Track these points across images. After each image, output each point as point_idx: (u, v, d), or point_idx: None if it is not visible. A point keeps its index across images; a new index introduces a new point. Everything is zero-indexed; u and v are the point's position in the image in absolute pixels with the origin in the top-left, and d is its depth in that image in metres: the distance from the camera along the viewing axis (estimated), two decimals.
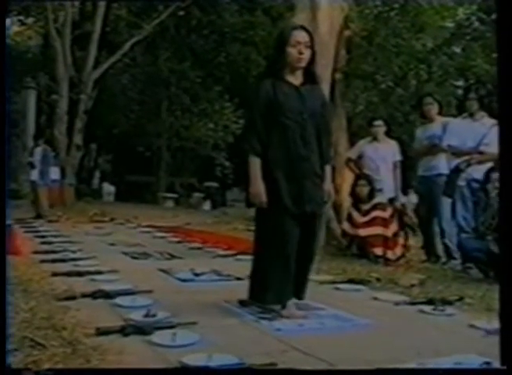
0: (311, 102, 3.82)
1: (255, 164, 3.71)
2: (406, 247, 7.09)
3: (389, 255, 6.70)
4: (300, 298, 3.87)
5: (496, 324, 3.68)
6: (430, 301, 4.34)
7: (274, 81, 3.79)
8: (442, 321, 3.94)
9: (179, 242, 8.20)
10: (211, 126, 21.82)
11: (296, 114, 3.75)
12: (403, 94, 17.58)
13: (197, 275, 5.24)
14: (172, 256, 6.66)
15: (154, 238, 8.73)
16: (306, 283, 3.91)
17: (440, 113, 7.42)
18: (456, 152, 6.70)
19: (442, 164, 7.00)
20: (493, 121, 6.78)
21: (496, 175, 5.67)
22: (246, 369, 2.79)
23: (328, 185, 3.92)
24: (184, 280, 5.08)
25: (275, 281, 3.75)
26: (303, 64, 3.79)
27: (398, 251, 6.81)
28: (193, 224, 11.95)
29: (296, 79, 3.83)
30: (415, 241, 7.68)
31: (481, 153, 6.54)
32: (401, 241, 6.93)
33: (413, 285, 5.10)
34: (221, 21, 21.47)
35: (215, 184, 23.35)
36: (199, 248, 7.56)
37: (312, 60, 3.83)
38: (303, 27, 3.89)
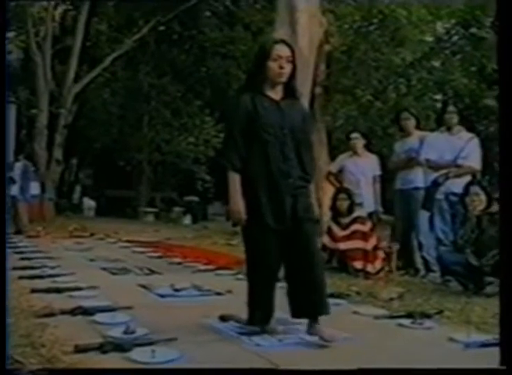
0: (292, 117, 3.75)
1: (234, 180, 3.64)
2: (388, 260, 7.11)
3: (369, 268, 6.71)
4: (324, 313, 3.63)
5: (475, 337, 3.72)
6: (409, 315, 4.35)
7: (254, 95, 3.73)
8: (421, 334, 3.95)
9: (159, 257, 8.16)
10: (191, 140, 21.81)
11: (277, 129, 3.68)
12: (383, 107, 17.66)
13: (176, 290, 5.22)
14: (152, 271, 6.62)
15: (134, 253, 8.68)
16: (323, 298, 3.65)
17: (418, 127, 7.51)
18: (433, 166, 6.78)
19: (419, 178, 7.07)
20: (470, 135, 6.89)
21: (475, 188, 5.71)
22: (246, 369, 2.79)
23: (311, 197, 3.88)
24: (164, 296, 5.06)
25: (261, 300, 3.72)
26: (283, 79, 3.73)
27: (378, 264, 6.83)
28: (173, 239, 11.90)
29: (276, 93, 3.77)
30: None
31: (458, 167, 6.63)
32: (381, 254, 6.96)
33: (392, 299, 5.12)
34: (201, 36, 21.53)
35: (195, 198, 23.29)
36: (179, 263, 7.53)
37: (293, 75, 3.77)
38: (284, 42, 3.84)
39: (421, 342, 3.74)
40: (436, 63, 17.97)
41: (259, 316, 3.73)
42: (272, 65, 3.68)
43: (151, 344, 3.35)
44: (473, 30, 16.57)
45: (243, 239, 3.83)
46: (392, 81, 17.51)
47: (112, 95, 23.61)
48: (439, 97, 17.25)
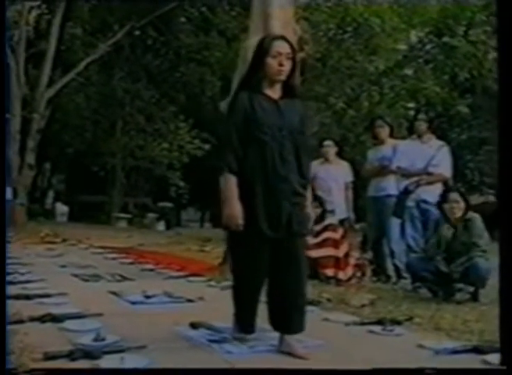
0: (290, 118, 3.57)
1: (231, 182, 3.44)
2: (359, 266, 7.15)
3: (340, 275, 6.73)
4: (299, 330, 3.54)
5: (444, 344, 3.75)
6: (380, 322, 4.36)
7: (251, 94, 3.54)
8: (391, 341, 3.96)
9: (131, 263, 8.11)
10: (165, 146, 21.80)
11: (275, 130, 3.50)
12: (356, 115, 17.81)
13: (148, 297, 5.18)
14: (124, 278, 6.58)
15: (106, 260, 8.62)
16: (303, 315, 3.55)
17: (391, 135, 7.55)
18: (405, 174, 6.84)
19: (392, 185, 7.12)
20: (441, 143, 6.97)
21: (454, 195, 5.76)
22: (246, 369, 2.78)
23: (307, 206, 3.66)
24: (135, 303, 5.02)
25: (248, 309, 3.64)
26: (283, 77, 3.54)
27: (349, 271, 6.86)
28: (146, 245, 11.86)
29: (274, 92, 3.59)
30: None
31: (429, 174, 6.70)
32: (352, 261, 6.99)
33: (363, 305, 5.13)
34: (176, 41, 21.54)
35: (169, 204, 23.25)
36: (151, 270, 7.49)
37: (293, 73, 3.59)
38: (284, 38, 3.65)
39: (391, 349, 3.75)
40: (409, 71, 18.18)
41: (240, 328, 3.66)
42: (271, 62, 3.51)
43: (120, 351, 3.32)
44: (445, 38, 16.76)
45: (232, 245, 3.70)
46: (366, 89, 17.68)
47: (85, 100, 23.51)
48: (411, 105, 17.41)
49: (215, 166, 3.60)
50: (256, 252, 3.50)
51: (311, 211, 3.75)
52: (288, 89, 3.62)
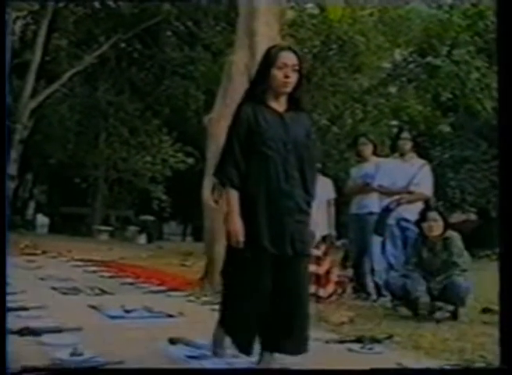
0: (296, 131, 3.46)
1: (233, 198, 3.35)
2: (340, 284, 7.15)
3: (321, 292, 6.73)
4: (303, 351, 3.45)
5: (423, 363, 3.75)
6: (359, 340, 4.36)
7: (255, 106, 3.42)
8: (370, 359, 3.95)
9: (111, 277, 8.07)
10: (148, 159, 21.77)
11: (279, 144, 3.39)
12: (339, 132, 17.90)
13: (127, 312, 5.16)
14: (103, 292, 6.54)
15: (86, 273, 8.57)
16: (307, 338, 3.47)
17: (375, 153, 7.58)
18: (386, 192, 6.87)
19: (374, 203, 7.13)
20: (422, 161, 7.01)
21: (433, 214, 5.79)
22: (246, 369, 2.77)
23: (314, 224, 3.64)
24: (114, 317, 5.00)
25: (244, 331, 3.44)
26: (288, 89, 3.43)
27: (330, 288, 6.85)
28: (127, 258, 11.80)
29: (279, 105, 3.48)
30: None
31: (410, 193, 6.73)
32: (333, 278, 6.99)
33: (343, 323, 5.14)
34: (161, 55, 21.56)
35: (151, 218, 23.18)
36: (131, 284, 7.46)
37: (299, 85, 3.47)
38: (291, 49, 3.53)
39: (370, 367, 3.75)
40: (393, 90, 18.29)
41: (247, 345, 3.43)
42: (277, 73, 3.38)
43: (97, 367, 3.30)
44: (429, 58, 16.90)
45: (232, 262, 3.46)
46: (349, 106, 17.76)
47: (69, 111, 23.44)
48: (394, 123, 17.52)
49: (220, 179, 3.45)
50: (259, 270, 3.34)
51: (315, 228, 3.62)
52: (293, 102, 3.52)
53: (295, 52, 3.49)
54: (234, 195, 3.35)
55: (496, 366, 2.79)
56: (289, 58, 3.41)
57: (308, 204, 3.49)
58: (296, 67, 3.42)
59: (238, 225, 3.31)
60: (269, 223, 3.33)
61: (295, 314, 3.41)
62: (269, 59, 3.42)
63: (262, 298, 3.36)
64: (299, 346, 3.41)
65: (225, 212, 3.40)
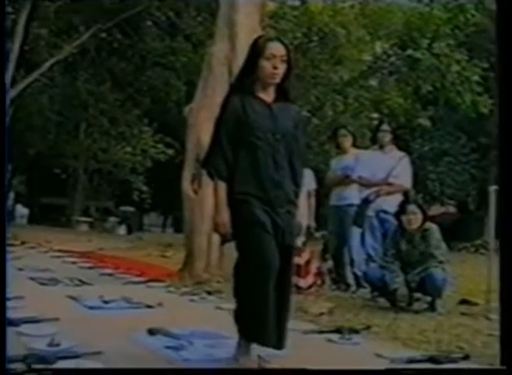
0: (284, 122, 3.43)
1: (221, 190, 3.33)
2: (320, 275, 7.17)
3: (301, 283, 6.74)
4: (283, 346, 3.38)
5: (401, 353, 3.78)
6: (338, 330, 4.37)
7: (243, 97, 3.39)
8: (348, 350, 3.98)
9: (90, 268, 8.05)
10: (129, 149, 21.68)
11: (268, 134, 3.35)
12: (320, 124, 17.93)
13: (106, 302, 5.14)
14: (82, 282, 6.52)
15: (65, 263, 8.54)
16: (285, 332, 3.39)
17: (354, 145, 7.59)
18: (366, 183, 6.90)
19: (354, 195, 7.14)
20: (402, 154, 7.04)
21: (412, 207, 5.81)
22: (245, 369, 2.76)
23: (300, 217, 3.55)
24: (92, 308, 4.98)
25: (271, 319, 3.27)
26: (276, 80, 3.40)
27: (310, 279, 6.87)
28: (106, 249, 11.77)
29: (268, 95, 3.44)
30: None
31: (389, 185, 6.76)
32: (313, 269, 7.01)
33: (322, 314, 5.16)
34: (142, 45, 21.42)
35: (131, 209, 23.10)
36: (110, 275, 7.45)
37: (287, 75, 3.42)
38: (279, 39, 3.49)
39: (348, 358, 3.77)
40: (373, 82, 18.35)
41: (270, 337, 3.30)
42: (265, 64, 3.35)
43: (75, 357, 3.28)
44: (410, 51, 16.95)
45: (240, 252, 3.35)
46: (330, 98, 17.79)
47: (49, 101, 23.24)
48: (375, 115, 17.58)
49: (208, 171, 3.40)
50: (269, 248, 3.24)
51: (303, 218, 3.63)
52: (281, 92, 3.48)
53: (283, 43, 3.45)
54: (222, 187, 3.33)
55: (496, 367, 2.80)
56: (277, 48, 3.37)
57: (296, 195, 3.48)
58: (285, 58, 3.38)
59: (226, 216, 3.30)
60: (261, 214, 3.28)
61: (281, 307, 3.36)
62: (257, 50, 3.38)
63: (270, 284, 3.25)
64: (280, 341, 3.36)
65: (213, 203, 3.39)
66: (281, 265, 3.29)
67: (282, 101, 3.48)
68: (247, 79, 3.42)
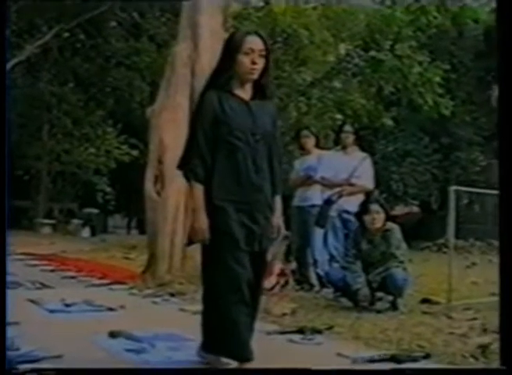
0: (263, 120, 3.28)
1: (198, 192, 3.16)
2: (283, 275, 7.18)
3: (265, 284, 6.74)
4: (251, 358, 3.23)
5: (362, 353, 3.81)
6: (300, 331, 4.39)
7: (220, 94, 3.22)
8: (311, 350, 4.00)
9: (52, 271, 7.98)
10: (92, 150, 21.50)
11: (248, 134, 3.20)
12: (283, 125, 17.96)
13: (67, 305, 5.11)
14: (44, 286, 6.47)
15: (27, 266, 8.45)
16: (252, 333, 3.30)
17: (317, 145, 7.62)
18: (328, 184, 6.94)
19: (317, 195, 7.18)
20: (364, 154, 7.11)
21: (375, 207, 5.84)
22: (245, 369, 2.74)
23: (277, 219, 3.36)
24: (53, 311, 4.95)
25: (242, 332, 3.17)
26: (255, 76, 3.24)
27: (273, 279, 6.88)
28: (69, 252, 11.65)
29: (245, 92, 3.29)
30: None
31: (352, 185, 6.82)
32: (276, 269, 7.01)
33: (285, 314, 5.16)
34: (106, 45, 21.31)
35: (94, 210, 22.87)
36: (73, 277, 7.39)
37: (265, 71, 3.26)
38: (257, 33, 3.31)
39: (310, 358, 3.78)
40: (337, 83, 18.43)
41: (241, 349, 3.19)
42: (243, 59, 3.19)
43: (35, 361, 3.26)
44: (372, 52, 17.10)
45: (208, 261, 3.26)
46: (294, 99, 17.82)
47: (10, 103, 22.90)
48: (338, 116, 17.66)
49: (184, 173, 3.26)
50: (237, 265, 3.13)
51: (280, 222, 3.40)
52: (260, 89, 3.32)
53: (261, 37, 3.29)
54: (199, 190, 3.17)
55: (496, 367, 2.82)
56: (255, 43, 3.23)
57: (274, 198, 3.35)
58: (263, 52, 3.24)
59: (204, 221, 3.14)
60: (239, 219, 3.16)
61: (252, 315, 3.28)
62: (234, 44, 3.23)
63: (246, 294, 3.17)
64: (249, 352, 3.21)
65: (192, 207, 3.24)
66: (254, 272, 3.21)
67: (260, 99, 3.33)
68: (223, 75, 3.26)
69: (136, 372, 3.05)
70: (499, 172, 2.80)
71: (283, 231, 3.42)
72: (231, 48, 3.24)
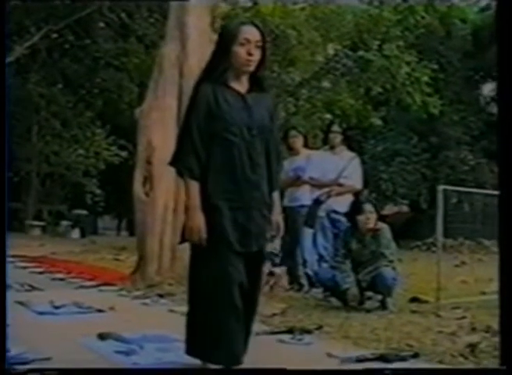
0: (260, 114, 3.15)
1: (193, 190, 3.03)
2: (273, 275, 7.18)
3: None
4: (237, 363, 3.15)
5: (351, 352, 3.81)
6: (290, 331, 4.40)
7: (215, 87, 3.09)
8: (300, 350, 4.00)
9: (41, 273, 7.95)
10: (81, 152, 21.46)
11: (244, 129, 3.08)
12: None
13: (56, 307, 5.09)
14: (33, 288, 6.44)
15: (16, 269, 8.41)
16: (249, 336, 3.25)
17: (306, 146, 7.63)
18: (317, 184, 6.95)
19: (306, 195, 7.18)
20: (352, 154, 7.13)
21: (368, 206, 5.84)
22: (234, 370, 2.76)
23: (276, 216, 3.26)
24: (42, 313, 4.93)
25: (226, 337, 3.06)
26: (251, 68, 3.11)
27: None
28: (59, 253, 11.62)
29: (241, 85, 3.16)
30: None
31: (340, 185, 6.83)
32: (266, 269, 7.01)
33: (274, 314, 5.17)
34: (94, 46, 21.26)
35: (84, 212, 22.83)
36: (62, 279, 7.37)
37: (262, 63, 3.14)
38: (253, 23, 3.18)
39: (300, 358, 3.79)
40: (325, 83, 18.46)
41: (223, 357, 3.09)
42: (239, 50, 3.06)
43: (24, 363, 3.25)
44: (361, 52, 17.13)
45: (194, 262, 3.17)
46: (282, 100, 17.83)
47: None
48: (327, 116, 17.69)
49: (178, 169, 3.13)
50: (228, 268, 3.03)
51: (280, 220, 3.30)
52: (256, 81, 3.20)
53: (257, 27, 3.16)
54: (194, 187, 3.04)
55: (496, 367, 2.82)
56: (251, 33, 3.10)
57: (270, 195, 3.23)
58: (260, 43, 3.11)
59: (200, 220, 3.01)
60: (235, 218, 3.06)
61: (248, 318, 3.22)
62: (229, 35, 3.10)
63: (238, 299, 3.07)
64: (235, 358, 3.14)
65: (186, 205, 3.11)
66: (250, 274, 3.12)
67: (257, 91, 3.20)
68: (218, 67, 3.12)
69: (127, 372, 3.04)
70: (499, 172, 2.81)
71: (283, 228, 3.31)
72: (226, 39, 3.12)
